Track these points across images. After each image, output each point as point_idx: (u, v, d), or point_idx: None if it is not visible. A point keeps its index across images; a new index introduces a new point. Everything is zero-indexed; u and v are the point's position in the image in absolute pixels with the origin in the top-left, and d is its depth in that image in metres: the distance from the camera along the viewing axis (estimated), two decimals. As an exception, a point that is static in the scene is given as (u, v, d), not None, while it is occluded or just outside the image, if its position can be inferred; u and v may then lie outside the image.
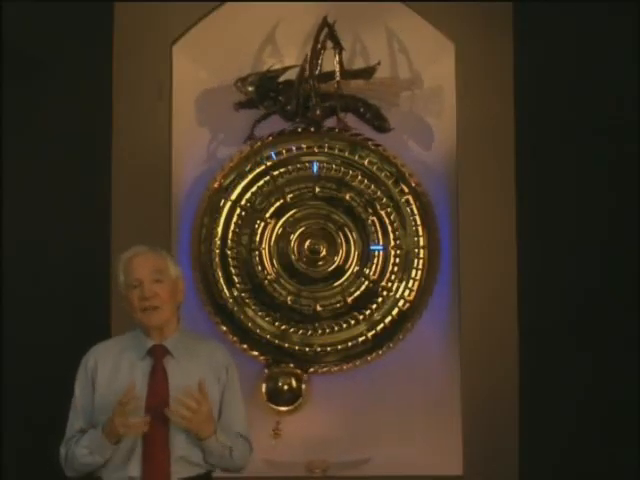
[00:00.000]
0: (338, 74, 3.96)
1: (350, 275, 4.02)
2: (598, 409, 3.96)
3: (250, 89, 4.00)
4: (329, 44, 3.95)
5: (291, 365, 3.98)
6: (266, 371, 3.98)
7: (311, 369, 3.99)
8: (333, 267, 4.02)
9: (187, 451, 2.85)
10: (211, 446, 2.85)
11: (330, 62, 3.96)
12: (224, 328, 3.99)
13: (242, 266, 4.02)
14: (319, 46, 3.95)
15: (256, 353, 3.99)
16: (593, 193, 4.01)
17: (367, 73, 4.01)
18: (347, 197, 4.02)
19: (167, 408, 2.80)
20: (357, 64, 4.08)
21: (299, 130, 4.03)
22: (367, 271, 4.01)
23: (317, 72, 3.96)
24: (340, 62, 3.95)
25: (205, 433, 2.82)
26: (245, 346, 3.99)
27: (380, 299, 4.01)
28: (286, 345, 3.99)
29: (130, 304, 2.91)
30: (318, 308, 3.99)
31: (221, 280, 4.01)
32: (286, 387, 3.98)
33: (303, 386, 3.97)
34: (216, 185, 4.04)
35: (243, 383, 3.02)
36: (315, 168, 4.04)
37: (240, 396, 3.01)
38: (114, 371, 2.91)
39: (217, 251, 4.01)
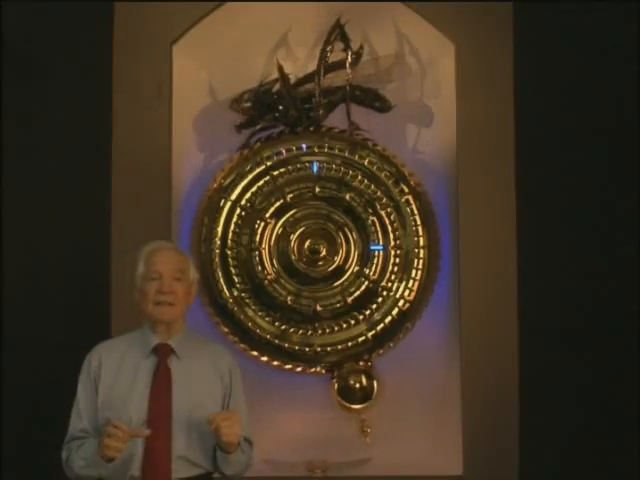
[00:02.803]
0: (350, 74, 3.95)
1: (350, 275, 4.02)
2: (598, 409, 3.96)
3: (247, 105, 3.98)
4: (335, 46, 3.94)
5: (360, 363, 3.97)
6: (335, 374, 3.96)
7: (312, 369, 4.00)
8: (333, 267, 4.02)
9: (188, 451, 2.86)
10: (237, 457, 2.87)
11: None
12: (224, 329, 3.99)
13: (242, 266, 4.02)
14: (329, 47, 3.94)
15: (256, 353, 4.00)
16: (593, 193, 4.01)
17: (354, 59, 3.97)
18: (347, 197, 4.02)
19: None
20: (357, 64, 4.08)
21: (299, 130, 4.03)
22: (367, 271, 4.01)
23: (322, 72, 3.95)
24: (350, 63, 3.94)
25: (235, 446, 2.85)
26: (245, 346, 3.99)
27: (380, 299, 4.01)
28: (286, 345, 3.99)
29: (144, 296, 2.92)
30: (318, 308, 3.99)
31: (221, 280, 4.01)
32: (358, 385, 3.97)
33: (375, 383, 3.96)
34: (216, 185, 4.04)
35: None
36: (315, 168, 4.04)
37: (243, 399, 3.03)
38: (118, 370, 2.92)
39: (217, 251, 4.01)
